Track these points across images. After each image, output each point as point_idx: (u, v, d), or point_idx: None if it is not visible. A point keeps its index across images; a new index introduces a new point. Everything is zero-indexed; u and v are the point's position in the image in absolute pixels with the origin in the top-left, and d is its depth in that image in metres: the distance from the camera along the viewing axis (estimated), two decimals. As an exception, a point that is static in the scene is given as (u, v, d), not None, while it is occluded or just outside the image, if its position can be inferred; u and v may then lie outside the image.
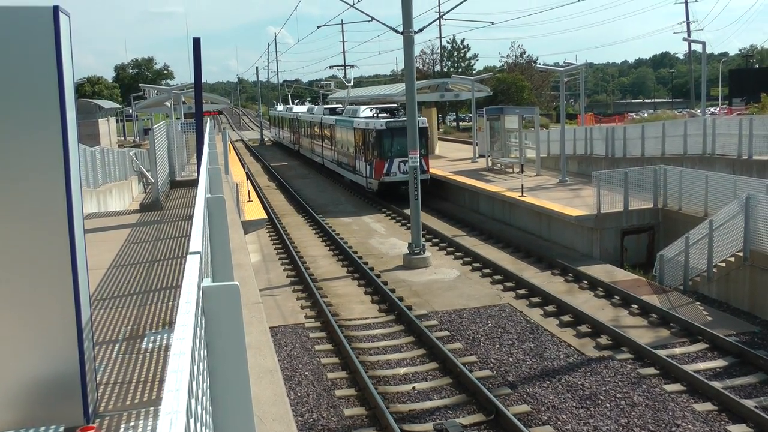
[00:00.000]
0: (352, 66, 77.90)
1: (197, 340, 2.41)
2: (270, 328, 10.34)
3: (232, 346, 2.90)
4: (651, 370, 15.13)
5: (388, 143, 38.90)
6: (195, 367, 2.18)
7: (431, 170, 38.97)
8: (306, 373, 15.76)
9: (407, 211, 28.28)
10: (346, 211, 38.10)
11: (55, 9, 5.60)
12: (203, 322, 2.79)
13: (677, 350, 16.28)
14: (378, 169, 39.09)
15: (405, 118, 30.55)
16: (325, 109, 60.67)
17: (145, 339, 9.24)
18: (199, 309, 2.70)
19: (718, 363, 15.53)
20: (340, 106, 59.03)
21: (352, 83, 64.27)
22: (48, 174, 5.71)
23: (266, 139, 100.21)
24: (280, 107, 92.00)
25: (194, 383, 2.12)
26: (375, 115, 42.72)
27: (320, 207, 39.09)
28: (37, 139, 5.68)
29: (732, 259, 19.97)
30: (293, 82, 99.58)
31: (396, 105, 46.10)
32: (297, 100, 78.99)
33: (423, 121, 37.73)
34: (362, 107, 48.28)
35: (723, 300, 20.03)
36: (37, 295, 5.74)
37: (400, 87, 48.12)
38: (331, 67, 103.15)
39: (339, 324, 18.68)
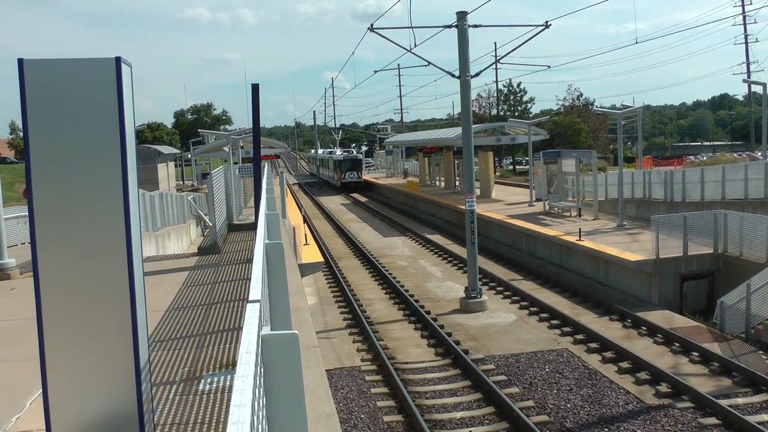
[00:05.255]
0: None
1: (257, 389, 2.42)
2: (326, 371, 10.34)
3: (291, 395, 2.91)
4: (712, 420, 14.69)
5: (344, 165, 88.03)
6: (254, 417, 2.19)
7: (487, 213, 41.63)
8: (362, 416, 15.71)
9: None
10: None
11: (118, 60, 5.75)
12: (262, 370, 2.80)
13: (740, 400, 15.85)
14: (339, 176, 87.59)
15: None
16: (328, 152, 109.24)
17: (202, 381, 9.31)
18: (258, 358, 2.71)
19: (784, 414, 15.14)
20: (339, 150, 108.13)
21: (340, 135, 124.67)
22: (109, 217, 5.80)
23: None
24: (312, 151, 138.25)
25: (253, 432, 2.13)
26: (342, 153, 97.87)
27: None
28: (99, 183, 5.79)
29: (796, 307, 19.54)
30: (350, 126, 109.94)
31: (352, 149, 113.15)
32: (354, 144, 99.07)
33: (359, 155, 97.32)
34: (338, 150, 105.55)
35: (787, 348, 19.56)
36: (97, 336, 5.81)
37: (457, 131, 48.35)
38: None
39: (395, 367, 18.63)
